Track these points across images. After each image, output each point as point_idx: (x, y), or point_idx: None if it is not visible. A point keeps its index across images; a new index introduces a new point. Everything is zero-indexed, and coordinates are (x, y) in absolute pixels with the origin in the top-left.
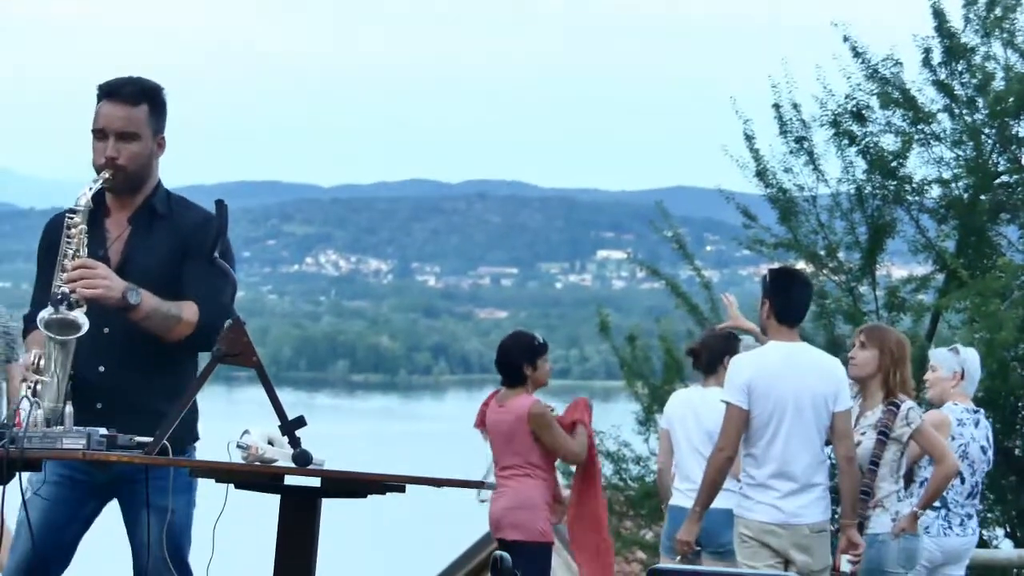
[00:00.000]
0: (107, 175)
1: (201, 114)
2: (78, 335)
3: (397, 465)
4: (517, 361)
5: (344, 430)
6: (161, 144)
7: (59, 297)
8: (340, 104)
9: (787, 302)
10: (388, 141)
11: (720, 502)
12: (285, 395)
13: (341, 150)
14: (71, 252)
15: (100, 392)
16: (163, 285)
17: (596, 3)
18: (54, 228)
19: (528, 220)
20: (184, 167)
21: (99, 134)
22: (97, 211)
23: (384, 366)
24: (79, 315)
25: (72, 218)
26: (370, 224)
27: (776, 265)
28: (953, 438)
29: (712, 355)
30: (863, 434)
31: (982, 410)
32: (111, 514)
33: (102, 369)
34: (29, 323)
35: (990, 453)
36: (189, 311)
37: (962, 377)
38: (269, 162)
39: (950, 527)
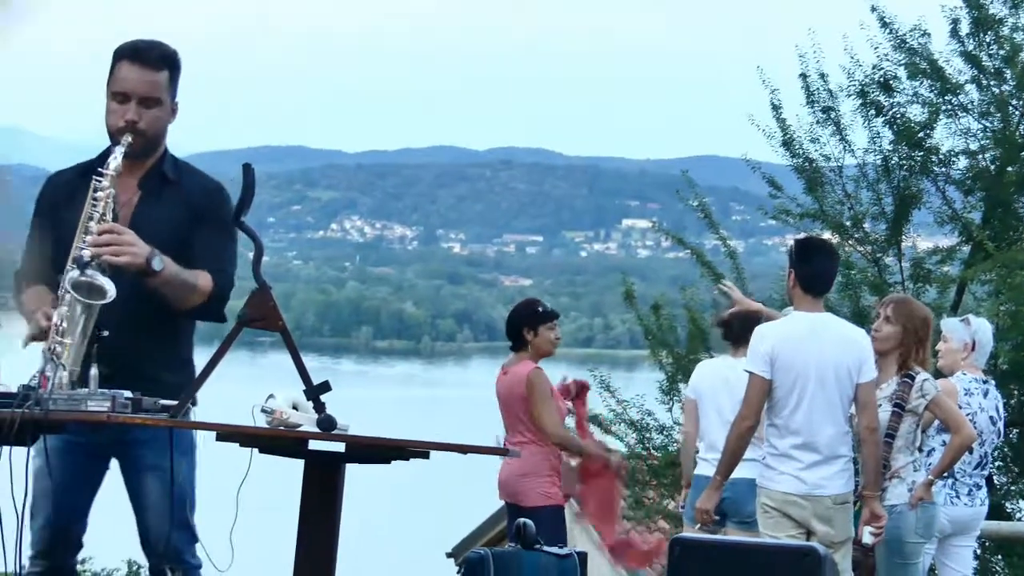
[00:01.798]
0: (129, 139)
1: (227, 79)
2: (105, 301)
3: (421, 431)
4: (518, 324)
5: (368, 395)
6: (175, 110)
7: (85, 261)
8: (366, 70)
9: (811, 272)
10: (414, 108)
11: (745, 472)
12: (309, 361)
13: (367, 116)
14: (97, 215)
15: (102, 356)
16: (172, 252)
17: None
18: (55, 187)
19: (553, 188)
20: (210, 132)
21: (120, 96)
22: (101, 175)
23: (408, 332)
24: (107, 281)
25: (100, 181)
26: (395, 190)
27: (802, 235)
28: (960, 407)
29: (743, 325)
30: (879, 406)
31: (992, 380)
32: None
33: (106, 333)
34: (23, 278)
35: (1000, 424)
36: (204, 280)
37: (972, 348)
38: (295, 128)
39: (957, 496)
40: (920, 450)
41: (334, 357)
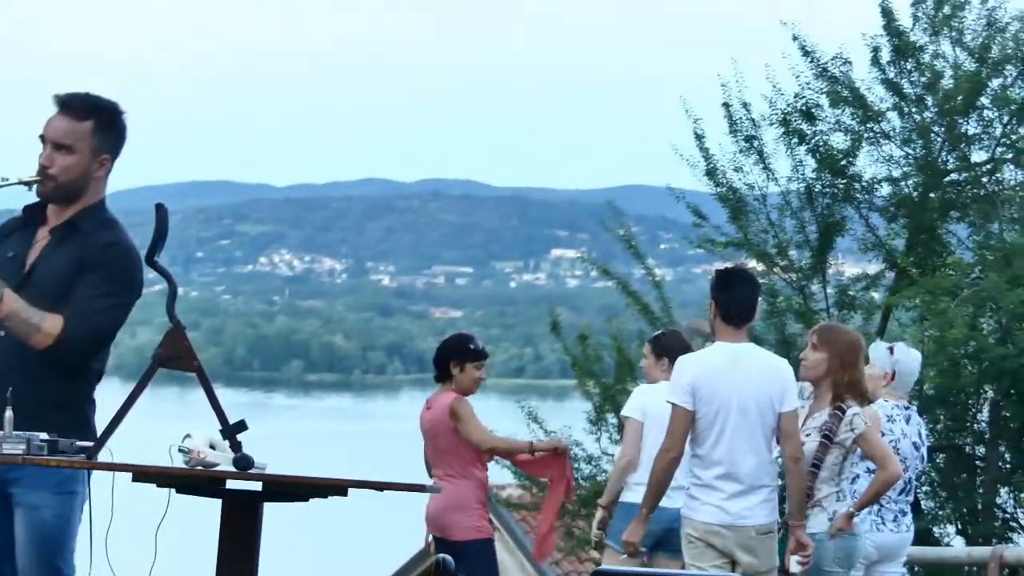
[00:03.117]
0: (32, 179)
1: (152, 113)
2: None
3: (353, 465)
4: (446, 357)
5: (300, 429)
6: (104, 164)
7: None
8: (293, 103)
9: (731, 302)
10: (341, 141)
11: (678, 502)
12: (240, 395)
13: (294, 150)
14: None
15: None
16: (57, 298)
17: (546, 1)
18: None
19: (482, 219)
20: (136, 168)
21: (42, 140)
22: (39, 217)
23: (339, 365)
24: None
25: None
26: (324, 223)
27: (726, 264)
28: (883, 434)
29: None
30: (808, 435)
31: (914, 406)
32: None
33: None
34: None
35: (923, 450)
36: (51, 323)
37: (892, 378)
38: (222, 162)
39: (883, 523)
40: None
41: (265, 391)
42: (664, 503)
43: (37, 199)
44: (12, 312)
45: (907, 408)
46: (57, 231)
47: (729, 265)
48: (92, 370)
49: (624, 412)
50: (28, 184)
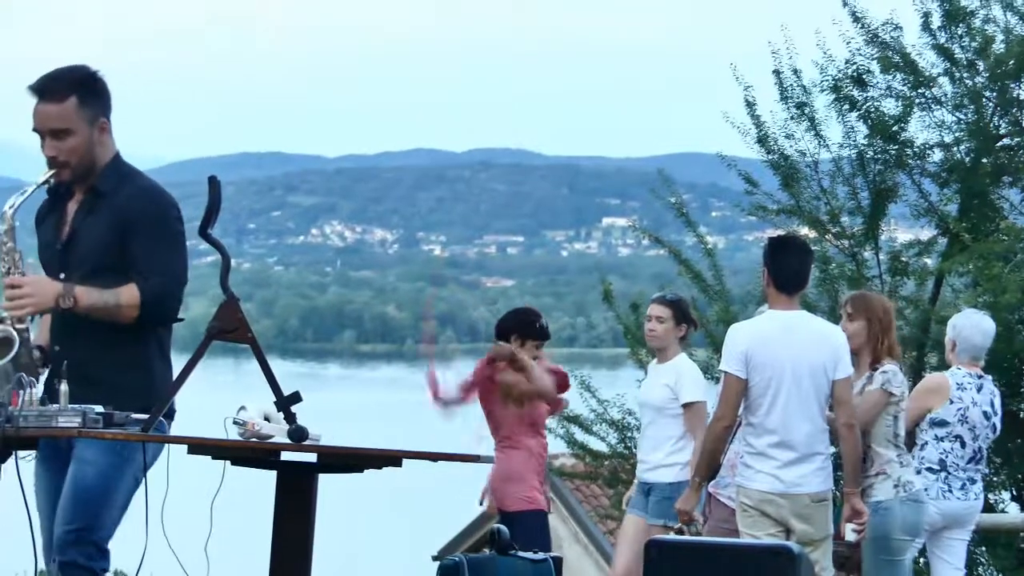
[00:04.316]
0: (50, 174)
1: (204, 86)
2: (10, 355)
3: (407, 435)
4: (508, 328)
5: (353, 400)
6: (103, 127)
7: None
8: (343, 74)
9: (783, 270)
10: (392, 111)
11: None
12: (293, 366)
13: (345, 120)
14: (3, 270)
15: (56, 369)
16: (104, 263)
17: None
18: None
19: (533, 188)
20: (190, 139)
21: (39, 134)
22: (66, 194)
23: (391, 336)
24: (11, 331)
25: (2, 238)
26: (375, 194)
27: (778, 232)
28: (952, 402)
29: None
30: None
31: (988, 376)
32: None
33: (57, 348)
34: None
35: (995, 420)
36: (128, 295)
37: (954, 347)
38: (273, 133)
39: (950, 491)
40: (915, 444)
41: (319, 362)
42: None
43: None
44: (90, 306)
45: (980, 377)
46: (84, 201)
47: (781, 233)
48: (159, 328)
49: (698, 396)
50: (48, 182)
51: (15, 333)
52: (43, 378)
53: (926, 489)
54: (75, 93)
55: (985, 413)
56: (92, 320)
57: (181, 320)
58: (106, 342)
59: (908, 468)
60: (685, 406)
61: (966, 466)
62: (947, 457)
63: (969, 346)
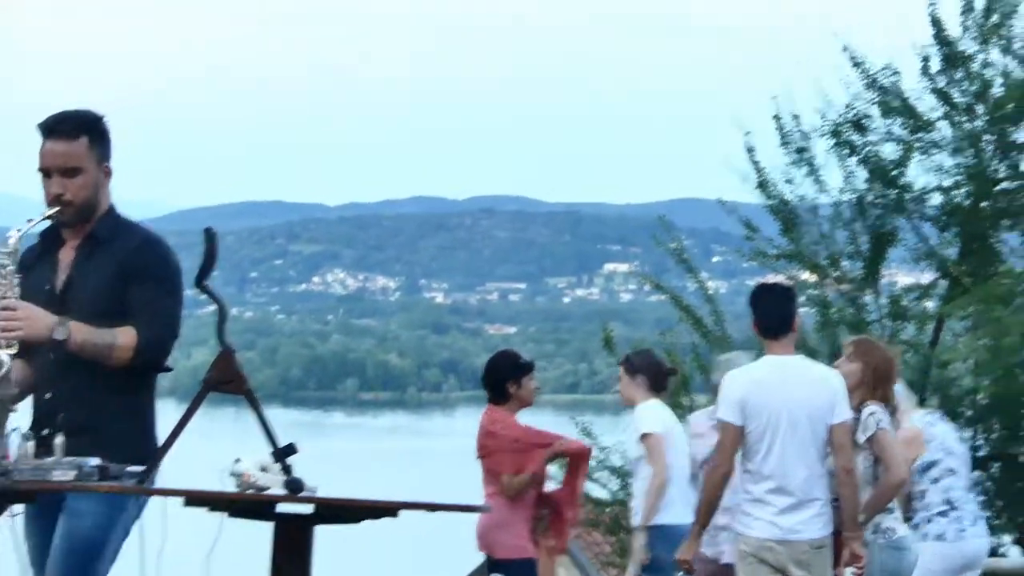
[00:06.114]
0: (54, 211)
1: (206, 136)
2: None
3: (409, 483)
4: (502, 378)
5: (356, 448)
6: (107, 172)
7: None
8: (347, 124)
9: (765, 315)
10: (393, 158)
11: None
12: (297, 414)
13: (347, 169)
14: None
15: (48, 417)
16: (103, 309)
17: (594, 18)
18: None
19: (535, 235)
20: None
21: (45, 172)
22: (55, 243)
23: (394, 383)
24: (2, 353)
25: (2, 261)
26: (377, 242)
27: (772, 277)
28: (929, 440)
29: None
30: None
31: (939, 413)
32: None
33: (48, 396)
34: None
35: (966, 447)
36: (125, 337)
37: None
38: (275, 182)
39: (963, 529)
40: (911, 498)
41: (323, 410)
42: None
43: (50, 225)
44: (83, 342)
45: (933, 413)
46: (82, 248)
47: (768, 279)
48: (151, 375)
49: (646, 429)
50: (51, 218)
51: (5, 356)
52: (18, 426)
53: (941, 535)
54: (86, 133)
55: (958, 439)
56: (87, 366)
57: (169, 370)
58: (102, 389)
59: (890, 515)
60: (640, 439)
61: (969, 497)
62: (950, 493)
63: (904, 396)
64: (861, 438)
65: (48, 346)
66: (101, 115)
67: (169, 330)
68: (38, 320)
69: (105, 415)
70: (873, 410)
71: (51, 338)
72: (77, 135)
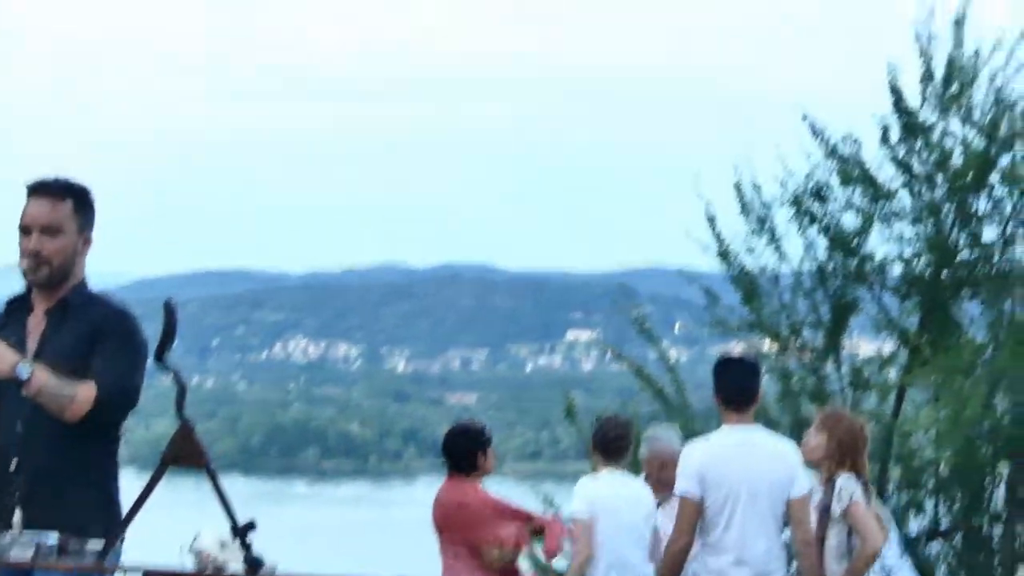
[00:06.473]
0: (27, 268)
1: (168, 204)
2: None
3: (370, 556)
4: (472, 449)
5: (317, 517)
6: (87, 241)
7: None
8: (310, 190)
9: (728, 387)
10: (357, 225)
11: None
12: (258, 483)
13: (311, 237)
14: None
15: (15, 486)
16: (70, 374)
17: (554, 85)
18: None
19: (498, 302)
20: (153, 257)
21: (25, 230)
22: (23, 307)
23: (355, 452)
24: None
25: None
26: (339, 310)
27: (736, 346)
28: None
29: (620, 435)
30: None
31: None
32: None
33: (13, 467)
34: None
35: None
36: (85, 390)
37: None
38: (238, 250)
39: None
40: None
41: (285, 479)
42: None
43: (18, 290)
44: (43, 387)
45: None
46: (53, 313)
47: (732, 349)
48: (114, 442)
49: (571, 513)
50: (24, 275)
51: None
52: None
53: None
54: (72, 198)
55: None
56: (57, 432)
57: (120, 436)
58: (69, 458)
59: None
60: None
61: (903, 564)
62: (885, 560)
63: None
64: (836, 510)
65: (23, 412)
66: (88, 188)
67: (127, 395)
68: (2, 356)
69: (72, 483)
70: (844, 483)
71: (14, 374)
72: (63, 197)
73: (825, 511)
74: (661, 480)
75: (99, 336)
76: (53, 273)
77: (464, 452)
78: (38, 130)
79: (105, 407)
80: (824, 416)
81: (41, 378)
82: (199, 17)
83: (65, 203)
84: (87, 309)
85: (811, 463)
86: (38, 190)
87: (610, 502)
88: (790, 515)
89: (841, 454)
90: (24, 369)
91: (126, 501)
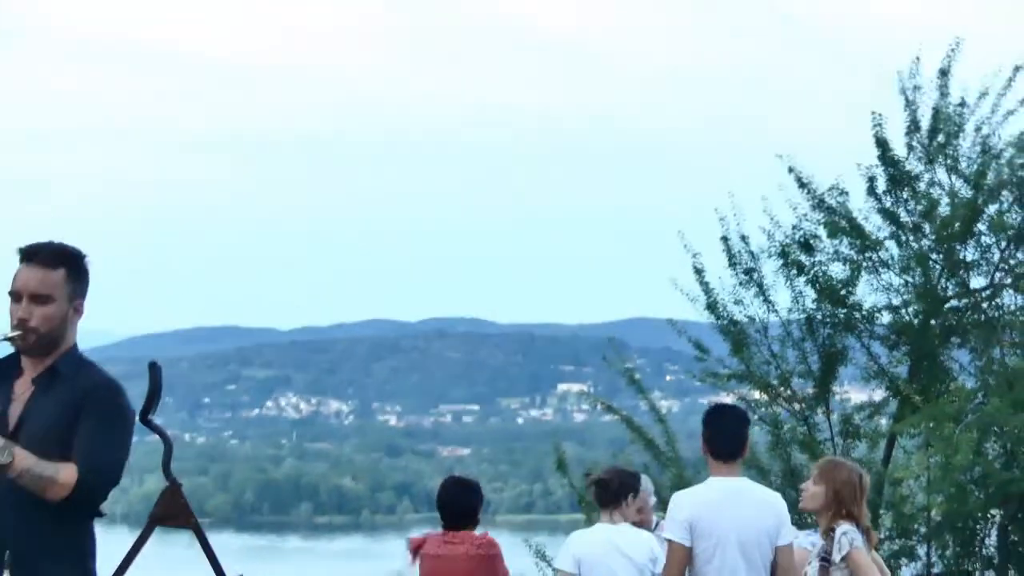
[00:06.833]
0: (15, 333)
1: (156, 262)
2: None
3: None
4: (475, 504)
5: (311, 573)
6: (78, 309)
7: None
8: (298, 248)
9: (718, 438)
10: (346, 282)
11: None
12: (251, 539)
13: (299, 293)
14: None
15: None
16: (54, 444)
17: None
18: None
19: (488, 356)
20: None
21: (14, 296)
22: (11, 372)
23: (348, 507)
24: None
25: None
26: (330, 365)
27: (726, 397)
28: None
29: (623, 485)
30: (810, 564)
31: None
32: None
33: None
34: None
35: None
36: (66, 473)
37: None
38: (227, 307)
39: None
40: None
41: (278, 534)
42: None
43: (6, 355)
44: (25, 469)
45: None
46: (41, 380)
47: (722, 400)
48: (93, 519)
49: (556, 564)
50: (11, 340)
51: None
52: None
53: None
54: (64, 266)
55: None
56: (34, 506)
57: (102, 515)
58: (46, 536)
59: None
60: None
61: None
62: None
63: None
64: (836, 557)
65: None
66: (84, 254)
67: (109, 475)
68: None
69: (50, 558)
70: (846, 530)
71: None
72: (56, 265)
73: (825, 559)
74: (641, 525)
75: (84, 407)
76: (39, 341)
77: (470, 508)
78: (24, 190)
79: (86, 489)
80: (823, 465)
81: (22, 463)
82: (189, 88)
83: (57, 271)
84: (75, 378)
85: (810, 510)
86: (31, 256)
87: (600, 556)
88: (777, 563)
89: (839, 503)
90: (4, 455)
91: (119, 558)
